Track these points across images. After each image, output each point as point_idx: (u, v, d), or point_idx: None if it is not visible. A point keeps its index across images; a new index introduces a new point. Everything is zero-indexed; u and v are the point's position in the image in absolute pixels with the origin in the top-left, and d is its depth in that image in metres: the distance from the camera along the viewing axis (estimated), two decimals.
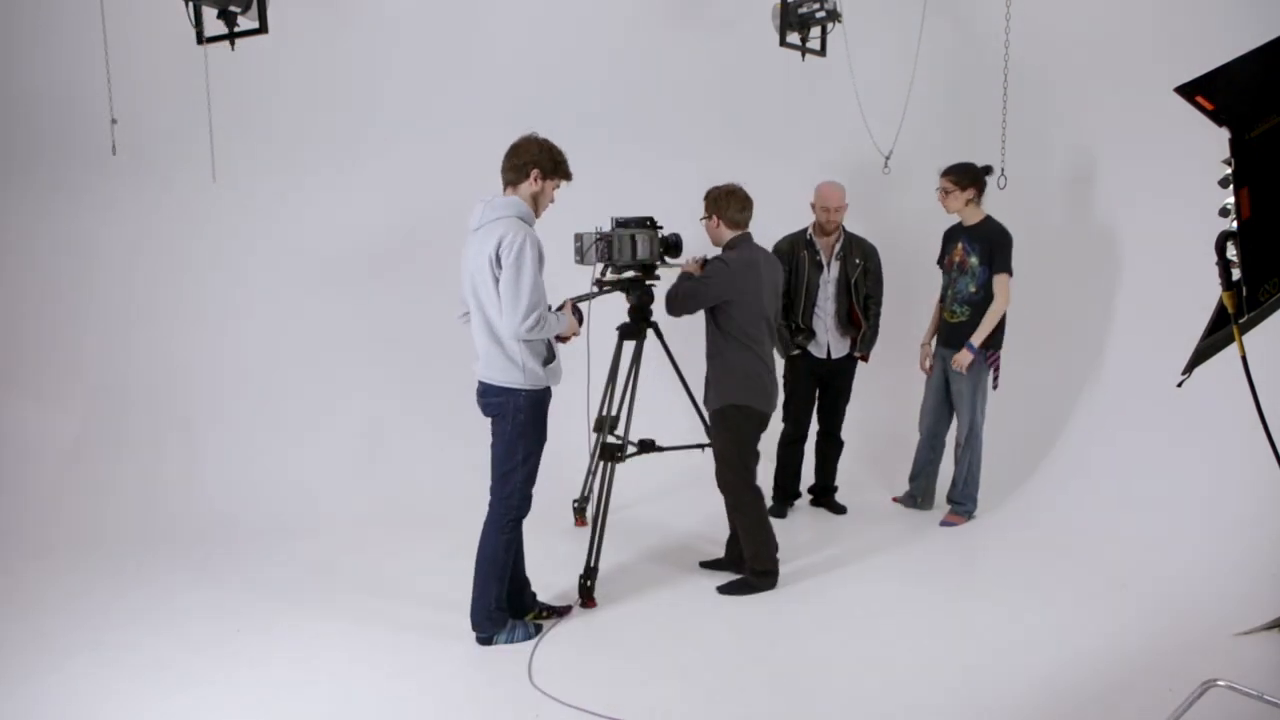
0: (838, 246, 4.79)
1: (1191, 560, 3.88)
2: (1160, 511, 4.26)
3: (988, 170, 4.62)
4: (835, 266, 4.78)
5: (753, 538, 3.86)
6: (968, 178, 4.58)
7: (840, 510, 4.98)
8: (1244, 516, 3.97)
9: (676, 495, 5.20)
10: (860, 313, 4.81)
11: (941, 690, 3.01)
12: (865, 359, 4.91)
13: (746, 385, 3.77)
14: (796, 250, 4.78)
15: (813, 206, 4.77)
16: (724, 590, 3.85)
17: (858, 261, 4.78)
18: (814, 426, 5.06)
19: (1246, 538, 3.88)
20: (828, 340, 4.81)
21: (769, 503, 4.77)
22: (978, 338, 4.55)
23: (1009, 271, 4.54)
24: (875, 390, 5.87)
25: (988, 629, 3.48)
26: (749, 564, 3.87)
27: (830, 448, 5.05)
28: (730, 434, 3.83)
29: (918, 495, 4.99)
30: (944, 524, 4.69)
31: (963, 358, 4.57)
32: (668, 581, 3.98)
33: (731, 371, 3.78)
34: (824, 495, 5.07)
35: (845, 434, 5.08)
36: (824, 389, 4.95)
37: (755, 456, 3.88)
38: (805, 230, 4.82)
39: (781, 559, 4.22)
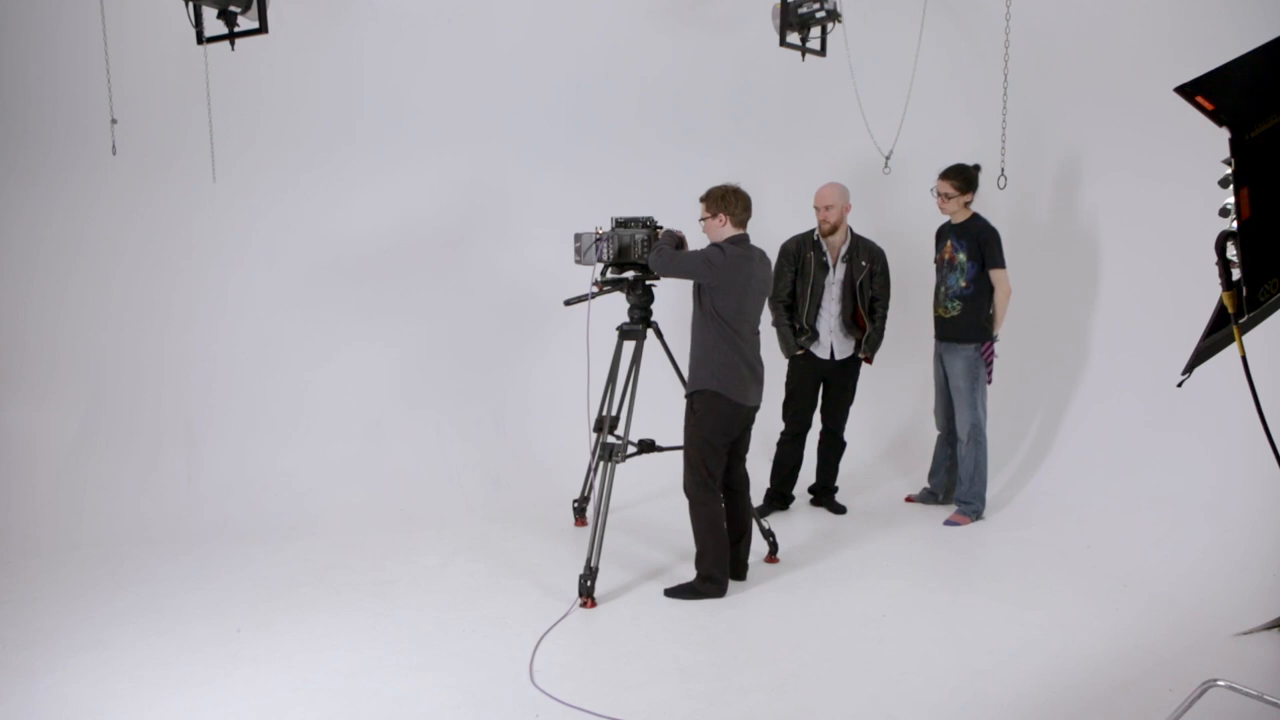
0: (844, 248, 4.79)
1: (1192, 560, 3.88)
2: (1161, 512, 4.27)
3: (978, 169, 4.66)
4: (841, 268, 4.79)
5: (701, 540, 3.80)
6: (970, 184, 4.63)
7: (840, 510, 4.98)
8: (1245, 517, 3.97)
9: (676, 495, 5.19)
10: (865, 315, 4.82)
11: (942, 690, 3.01)
12: (869, 360, 4.91)
13: (720, 373, 3.73)
14: (803, 251, 4.79)
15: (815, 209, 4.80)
16: (670, 593, 3.81)
17: (864, 264, 4.79)
18: (816, 425, 5.06)
19: (1247, 538, 3.88)
20: (831, 341, 4.82)
21: (758, 502, 4.76)
22: (998, 329, 4.68)
23: (1003, 266, 4.60)
24: (878, 390, 5.88)
25: (988, 629, 3.48)
26: (696, 567, 3.84)
27: (832, 447, 5.05)
28: (695, 423, 3.79)
29: (937, 492, 5.01)
30: (948, 523, 4.69)
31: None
32: (668, 582, 3.98)
33: (707, 358, 3.76)
34: (824, 495, 5.07)
35: (849, 434, 5.08)
36: (827, 389, 4.95)
37: (719, 458, 3.79)
38: (813, 231, 4.82)
39: (783, 557, 4.24)
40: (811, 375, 4.88)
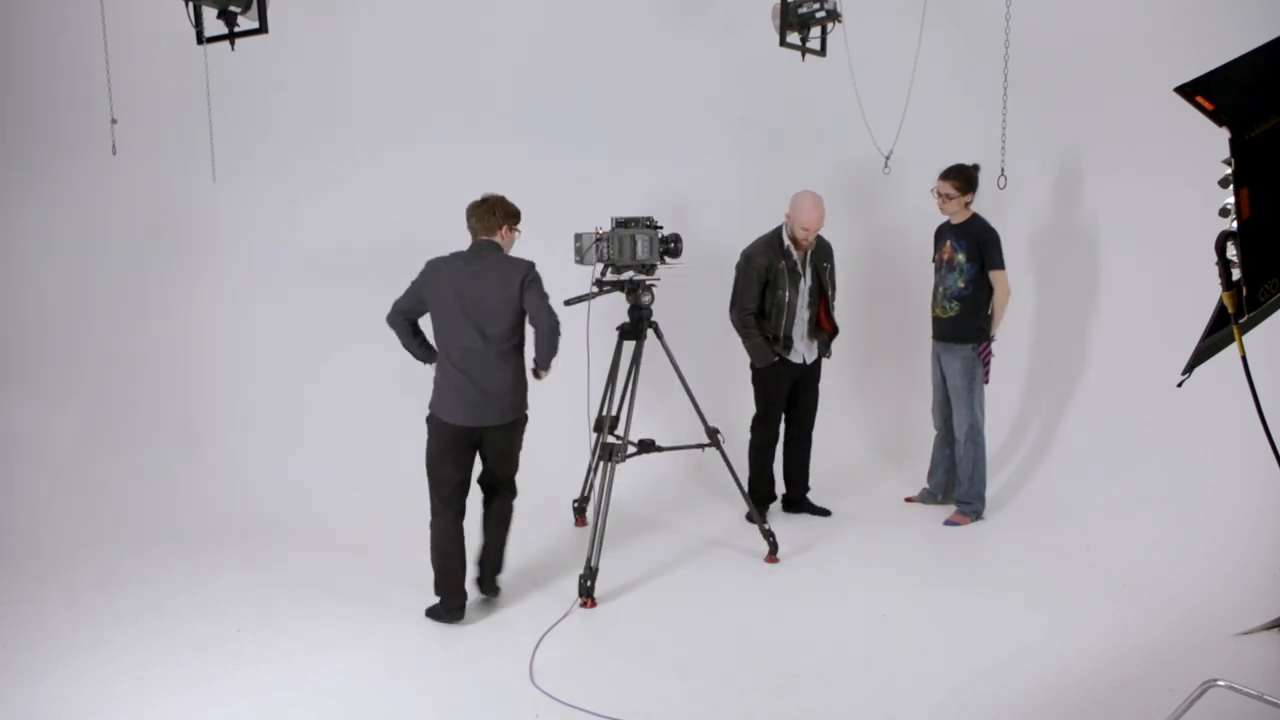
0: (809, 254, 4.69)
1: (1192, 560, 3.88)
2: (1161, 512, 4.27)
3: (977, 169, 4.65)
4: (809, 274, 4.68)
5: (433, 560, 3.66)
6: (971, 184, 4.61)
7: (825, 513, 4.91)
8: (1245, 517, 3.97)
9: (676, 495, 5.20)
10: (831, 316, 4.74)
11: (942, 690, 3.01)
12: (829, 356, 4.88)
13: (436, 392, 3.67)
14: (774, 261, 4.59)
15: (788, 218, 4.61)
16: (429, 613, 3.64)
17: (825, 265, 4.73)
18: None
19: (1247, 538, 3.88)
20: (803, 348, 4.72)
21: (743, 509, 4.70)
22: (996, 329, 4.66)
23: (1002, 266, 4.59)
24: (876, 390, 5.88)
25: (988, 629, 3.48)
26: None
27: (805, 451, 4.95)
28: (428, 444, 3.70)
29: (936, 492, 5.00)
30: (948, 523, 4.68)
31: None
32: (667, 581, 3.98)
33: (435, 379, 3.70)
34: (803, 502, 4.96)
35: (847, 435, 5.07)
36: (797, 393, 4.84)
37: (444, 477, 3.67)
38: (779, 235, 4.63)
39: (783, 558, 4.24)
40: (786, 381, 4.77)
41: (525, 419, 3.76)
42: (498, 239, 3.68)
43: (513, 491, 3.83)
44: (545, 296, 3.61)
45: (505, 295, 3.55)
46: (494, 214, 3.67)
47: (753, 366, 4.76)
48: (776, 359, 4.70)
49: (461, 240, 4.47)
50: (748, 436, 4.89)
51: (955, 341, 4.68)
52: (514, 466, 3.79)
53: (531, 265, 3.62)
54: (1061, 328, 5.21)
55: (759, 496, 4.84)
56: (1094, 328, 5.00)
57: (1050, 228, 5.30)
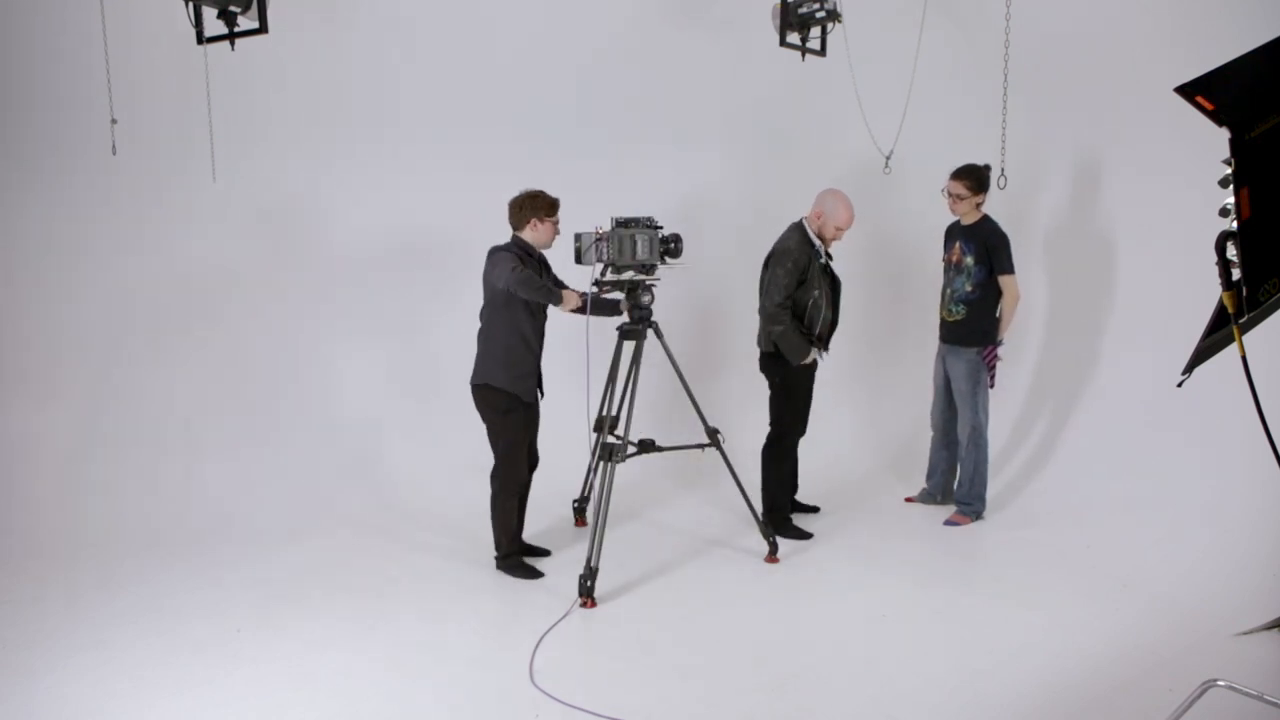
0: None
1: (1192, 560, 3.89)
2: (1161, 512, 4.27)
3: (988, 169, 4.62)
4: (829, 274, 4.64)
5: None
6: (982, 185, 4.57)
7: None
8: (1245, 517, 3.97)
9: (676, 495, 5.20)
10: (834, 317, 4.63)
11: (942, 690, 3.01)
12: (827, 350, 4.78)
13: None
14: (813, 258, 4.45)
15: (818, 216, 4.48)
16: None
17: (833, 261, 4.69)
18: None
19: (1247, 538, 3.89)
20: (817, 348, 4.62)
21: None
22: (1004, 332, 4.61)
23: (1011, 271, 4.55)
24: (878, 391, 5.88)
25: (988, 629, 3.48)
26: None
27: (795, 451, 4.83)
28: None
29: (935, 493, 4.99)
30: (948, 524, 4.68)
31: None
32: (668, 581, 3.98)
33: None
34: (796, 503, 4.90)
35: (848, 435, 5.06)
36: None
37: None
38: (805, 231, 4.49)
39: (783, 556, 4.24)
40: (810, 384, 4.68)
41: (486, 389, 4.06)
42: (526, 233, 4.05)
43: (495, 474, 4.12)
44: (497, 266, 3.90)
45: (486, 281, 4.02)
46: (520, 210, 4.05)
47: (777, 374, 4.58)
48: (810, 359, 4.51)
49: (463, 240, 4.55)
50: (748, 437, 4.84)
51: (960, 344, 4.65)
52: (493, 443, 4.13)
53: (491, 251, 4.00)
54: (1061, 328, 5.21)
55: (783, 506, 4.68)
56: (1093, 328, 5.00)
57: (1050, 227, 5.29)
